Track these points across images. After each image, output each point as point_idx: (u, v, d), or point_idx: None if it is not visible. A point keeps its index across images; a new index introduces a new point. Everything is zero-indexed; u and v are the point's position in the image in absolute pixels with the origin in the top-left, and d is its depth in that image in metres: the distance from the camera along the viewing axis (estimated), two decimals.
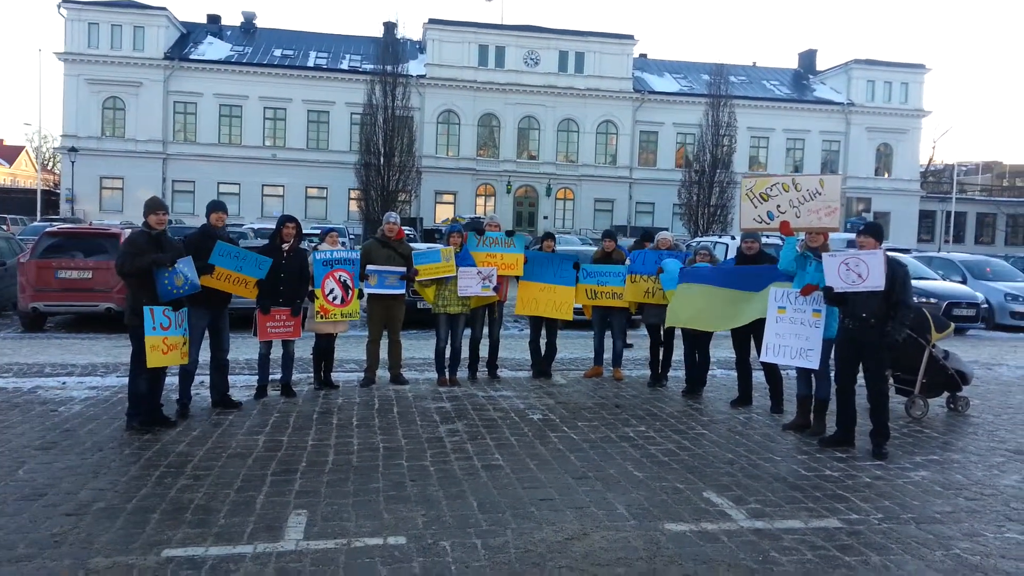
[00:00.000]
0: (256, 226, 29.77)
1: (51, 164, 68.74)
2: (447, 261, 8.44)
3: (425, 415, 7.25)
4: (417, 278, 8.44)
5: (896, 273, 6.18)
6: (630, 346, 10.89)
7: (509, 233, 9.13)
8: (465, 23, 48.13)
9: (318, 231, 22.95)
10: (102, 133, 44.59)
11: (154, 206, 6.60)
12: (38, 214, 41.19)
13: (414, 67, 45.49)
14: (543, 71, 47.95)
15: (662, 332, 9.00)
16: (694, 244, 17.84)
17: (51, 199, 48.47)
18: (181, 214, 39.00)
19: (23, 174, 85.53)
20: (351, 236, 29.62)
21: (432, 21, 47.69)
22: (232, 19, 56.11)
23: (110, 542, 4.18)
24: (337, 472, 5.48)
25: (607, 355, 9.43)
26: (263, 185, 46.03)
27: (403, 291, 8.50)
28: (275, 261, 7.53)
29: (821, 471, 5.78)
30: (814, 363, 6.69)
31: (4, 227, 29.96)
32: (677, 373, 9.19)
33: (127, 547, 4.12)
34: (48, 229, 14.08)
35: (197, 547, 4.14)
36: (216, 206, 7.32)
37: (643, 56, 53.83)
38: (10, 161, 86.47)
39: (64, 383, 8.43)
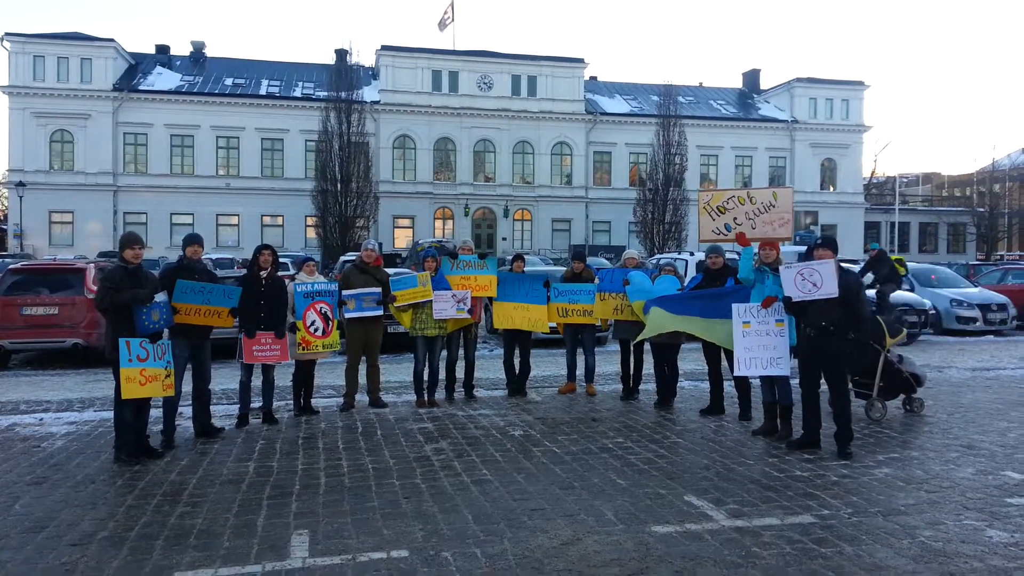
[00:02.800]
0: (214, 256, 29.53)
1: None
2: (424, 286, 8.67)
3: (409, 436, 7.43)
4: (395, 304, 8.65)
5: (848, 281, 6.59)
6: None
7: (482, 256, 9.41)
8: (418, 49, 48.64)
9: (291, 260, 22.87)
10: (50, 167, 43.81)
11: (130, 241, 6.71)
12: None
13: (368, 93, 45.66)
14: (496, 95, 48.61)
15: (632, 347, 9.32)
16: (655, 261, 18.31)
17: None
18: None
19: None
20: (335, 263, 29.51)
21: (385, 48, 48.05)
22: (181, 49, 55.54)
23: (121, 568, 4.29)
24: (332, 493, 5.64)
25: (579, 371, 9.72)
26: (217, 214, 45.59)
27: (381, 312, 8.69)
28: (254, 289, 7.69)
29: (791, 472, 6.12)
30: (785, 370, 7.07)
31: None
32: (648, 386, 9.51)
33: (139, 572, 4.24)
34: (12, 266, 13.90)
35: (207, 569, 4.28)
36: (192, 239, 7.45)
37: (594, 78, 54.87)
38: None
39: (41, 419, 8.40)
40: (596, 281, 9.35)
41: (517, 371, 9.59)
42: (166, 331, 6.95)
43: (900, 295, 17.02)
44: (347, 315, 8.55)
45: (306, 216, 44.11)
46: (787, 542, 4.61)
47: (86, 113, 43.83)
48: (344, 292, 8.54)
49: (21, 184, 41.25)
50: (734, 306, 7.33)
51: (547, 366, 11.83)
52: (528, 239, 49.21)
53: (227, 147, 46.25)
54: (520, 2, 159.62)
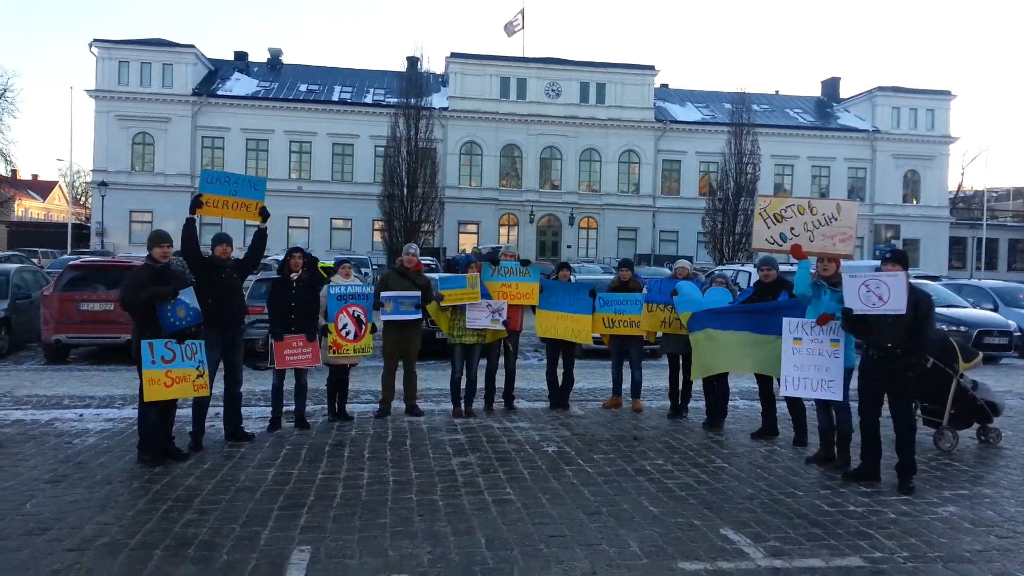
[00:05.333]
0: (281, 258, 29.99)
1: (83, 199, 70.29)
2: (472, 288, 8.39)
3: (438, 447, 7.14)
4: (443, 303, 8.39)
5: (920, 302, 6.00)
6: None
7: (524, 263, 9.06)
8: (487, 56, 48.64)
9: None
10: (132, 168, 45.46)
11: (158, 239, 6.63)
12: (68, 247, 41.95)
13: (437, 100, 45.98)
14: (564, 102, 48.23)
15: (681, 361, 8.83)
16: (709, 272, 17.63)
17: (82, 232, 49.39)
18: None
19: (56, 208, 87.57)
20: (375, 267, 29.77)
21: (454, 55, 48.26)
22: (259, 56, 57.11)
23: None
24: (345, 507, 5.38)
25: (625, 385, 9.27)
26: (289, 217, 46.43)
27: (419, 316, 8.44)
28: (285, 292, 7.56)
29: (844, 506, 5.56)
30: (837, 394, 6.50)
31: (35, 260, 30.51)
32: (698, 404, 8.99)
33: None
34: (71, 262, 14.26)
35: None
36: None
37: (664, 86, 53.96)
38: (44, 196, 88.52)
39: (81, 415, 8.45)
40: (644, 291, 8.90)
41: (560, 383, 9.20)
42: (199, 331, 6.83)
43: (980, 314, 15.93)
44: (383, 317, 8.33)
45: (373, 220, 44.63)
46: None
47: (166, 117, 45.37)
48: (382, 294, 8.32)
49: (104, 184, 43.00)
50: (785, 320, 6.79)
51: (594, 378, 11.38)
52: (593, 247, 48.61)
53: (299, 151, 47.23)
54: (590, 8, 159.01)
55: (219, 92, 46.69)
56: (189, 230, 7.13)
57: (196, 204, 7.22)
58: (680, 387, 8.82)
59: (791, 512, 5.41)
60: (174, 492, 5.66)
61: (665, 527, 5.04)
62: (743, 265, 20.08)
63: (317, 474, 6.20)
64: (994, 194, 66.18)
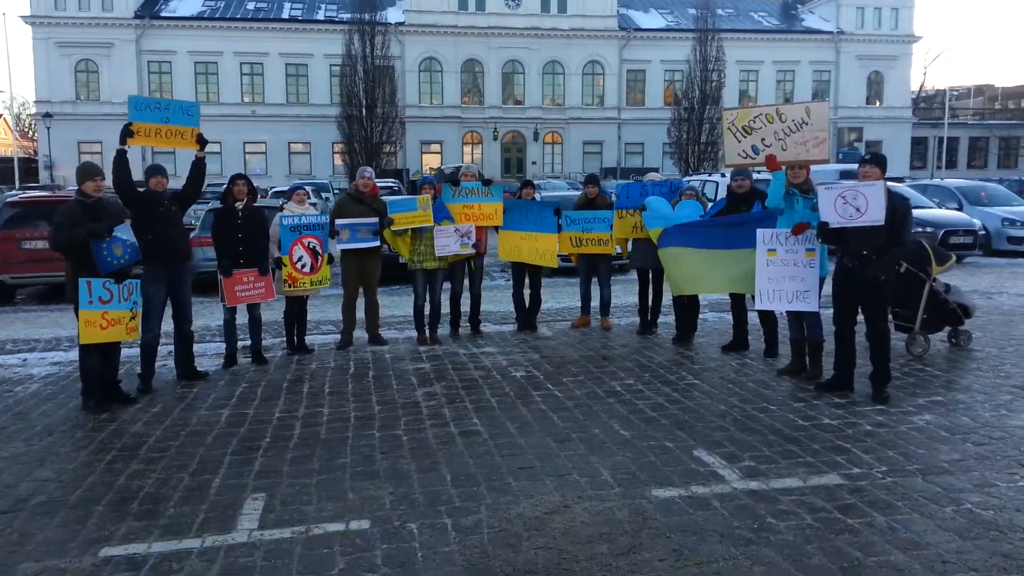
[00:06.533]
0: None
1: (30, 131, 67.26)
2: (424, 210, 7.97)
3: (402, 378, 6.87)
4: (393, 227, 7.99)
5: (897, 208, 5.74)
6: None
7: (486, 182, 8.63)
8: None
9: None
10: (76, 97, 43.48)
11: (89, 172, 6.11)
12: (16, 182, 40.31)
13: (392, 14, 44.22)
14: (525, 12, 46.56)
15: (651, 276, 8.59)
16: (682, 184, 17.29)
17: (31, 167, 47.46)
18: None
19: (2, 142, 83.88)
20: (336, 191, 28.96)
21: None
22: None
23: (44, 543, 3.81)
24: (302, 447, 5.11)
25: (594, 303, 9.03)
26: (244, 143, 45.02)
27: (377, 243, 8.05)
28: (230, 221, 7.11)
29: (819, 419, 5.42)
30: (813, 305, 6.31)
31: None
32: (667, 319, 8.79)
33: (62, 548, 3.75)
34: (10, 199, 13.51)
35: (140, 544, 3.78)
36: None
37: None
38: None
39: (25, 360, 8.02)
40: (613, 209, 8.56)
41: (527, 304, 8.93)
42: (136, 271, 6.40)
43: (946, 214, 15.90)
44: (339, 246, 7.93)
45: (333, 143, 43.43)
46: (808, 510, 3.95)
47: (109, 42, 43.11)
48: (337, 222, 7.89)
49: (48, 115, 41.05)
50: (759, 232, 6.52)
51: (562, 298, 11.14)
52: (559, 162, 47.93)
53: (251, 73, 45.38)
54: None
55: (163, 13, 44.39)
56: (120, 162, 6.59)
57: (126, 134, 6.66)
58: (650, 303, 8.60)
59: (765, 428, 5.25)
60: (119, 440, 5.34)
61: (637, 451, 4.85)
62: (710, 175, 19.71)
63: (274, 413, 5.91)
64: (955, 93, 66.00)
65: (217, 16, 44.74)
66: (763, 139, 6.86)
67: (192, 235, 12.71)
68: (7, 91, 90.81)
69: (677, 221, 7.75)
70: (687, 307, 8.11)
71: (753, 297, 6.86)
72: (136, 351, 6.93)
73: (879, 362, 5.91)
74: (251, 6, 46.11)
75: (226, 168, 42.23)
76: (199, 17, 44.52)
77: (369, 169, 8.58)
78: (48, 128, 41.05)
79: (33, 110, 46.39)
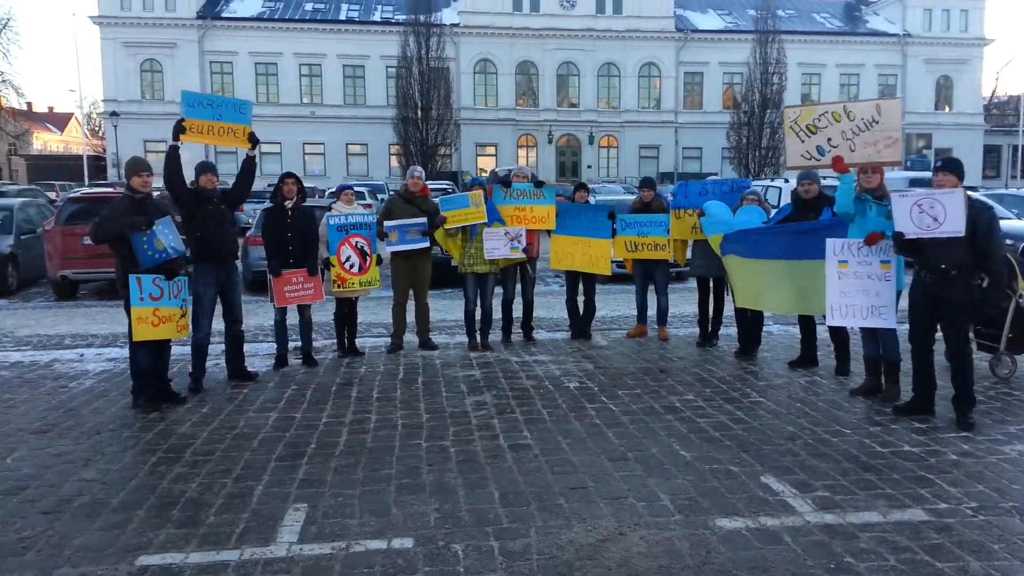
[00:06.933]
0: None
1: (100, 130, 69.54)
2: (477, 207, 7.77)
3: (452, 385, 6.67)
4: (446, 225, 7.81)
5: (979, 217, 5.31)
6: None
7: (538, 184, 8.37)
8: None
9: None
10: (142, 96, 44.61)
11: (136, 167, 6.09)
12: (85, 180, 41.60)
13: (448, 15, 44.28)
14: (580, 14, 46.18)
15: (712, 285, 8.23)
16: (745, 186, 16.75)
17: (99, 164, 48.92)
18: (225, 175, 38.94)
19: (74, 140, 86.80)
20: (392, 192, 29.00)
21: None
22: None
23: (82, 548, 3.70)
24: (348, 456, 4.94)
25: (650, 312, 8.71)
26: (303, 143, 45.65)
27: (426, 244, 7.87)
28: (280, 220, 7.03)
29: (898, 446, 5.03)
30: (890, 322, 5.89)
31: (51, 194, 30.17)
32: (729, 331, 8.42)
33: (100, 554, 3.64)
34: (72, 195, 13.79)
35: (177, 553, 3.64)
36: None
37: None
38: (61, 128, 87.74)
39: (82, 355, 8.08)
40: (669, 211, 8.24)
41: (581, 312, 8.66)
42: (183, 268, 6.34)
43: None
44: (388, 248, 7.78)
45: (389, 144, 43.74)
46: (891, 549, 3.60)
47: (172, 42, 44.16)
48: (386, 223, 7.74)
49: (115, 114, 42.23)
50: (828, 242, 6.12)
51: (617, 305, 10.82)
52: (614, 167, 47.40)
53: (310, 75, 45.99)
54: None
55: (223, 14, 45.26)
56: (172, 159, 6.55)
57: (179, 130, 6.62)
58: (711, 313, 8.24)
59: (839, 454, 4.88)
60: (166, 442, 5.25)
61: (699, 475, 4.54)
62: (772, 180, 19.09)
63: (321, 418, 5.77)
64: None
65: (276, 17, 45.45)
66: (829, 139, 6.46)
67: (248, 234, 12.84)
68: (78, 91, 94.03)
69: (737, 227, 7.38)
70: (751, 318, 7.72)
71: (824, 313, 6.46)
72: (188, 349, 6.88)
73: (961, 384, 5.48)
74: (309, 7, 46.74)
75: (286, 168, 42.94)
76: (259, 18, 45.28)
77: (419, 168, 8.41)
78: (115, 127, 42.22)
79: (101, 109, 47.88)
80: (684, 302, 10.40)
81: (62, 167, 47.51)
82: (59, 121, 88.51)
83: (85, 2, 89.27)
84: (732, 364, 7.41)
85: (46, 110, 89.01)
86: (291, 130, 44.84)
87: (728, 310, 8.15)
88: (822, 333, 7.30)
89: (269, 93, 45.62)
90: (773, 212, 7.98)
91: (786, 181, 16.87)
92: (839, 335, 6.92)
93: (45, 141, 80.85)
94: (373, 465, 4.77)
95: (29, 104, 67.16)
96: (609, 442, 5.14)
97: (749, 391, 6.42)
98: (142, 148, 44.13)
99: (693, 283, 8.80)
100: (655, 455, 4.88)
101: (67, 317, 10.75)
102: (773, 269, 6.91)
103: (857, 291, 5.96)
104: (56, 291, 12.51)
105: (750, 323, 7.78)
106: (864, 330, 6.28)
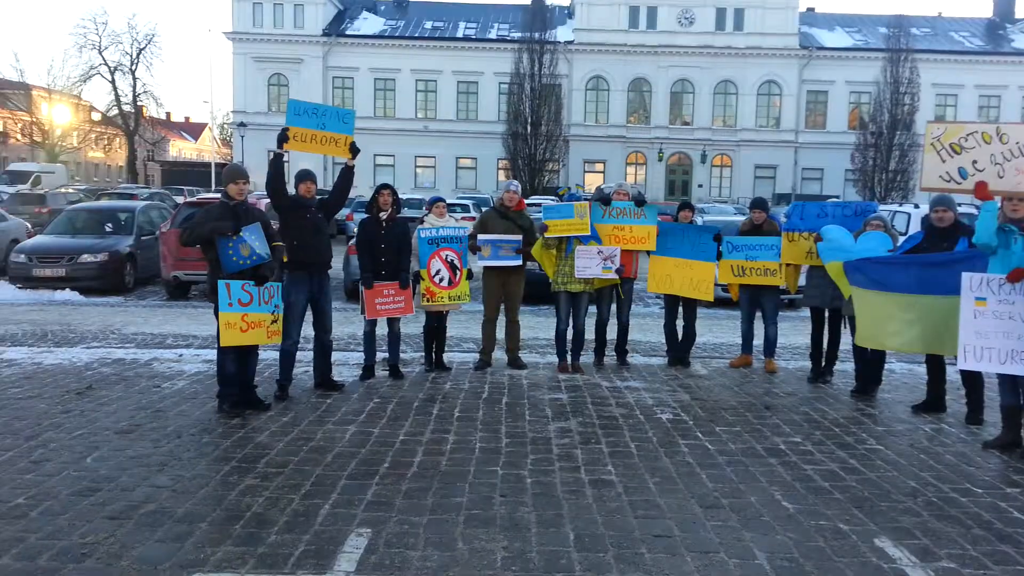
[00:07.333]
0: (406, 196, 29.87)
1: (230, 139, 73.77)
2: (581, 218, 7.46)
3: (536, 408, 6.35)
4: (547, 234, 7.53)
5: None
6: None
7: (640, 203, 7.96)
8: None
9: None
10: (268, 108, 46.74)
11: (234, 175, 6.15)
12: (212, 186, 43.95)
13: (562, 33, 44.44)
14: (698, 31, 45.27)
15: (827, 315, 7.56)
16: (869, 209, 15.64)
17: None
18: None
19: (207, 149, 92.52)
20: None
21: None
22: None
23: (139, 559, 3.60)
24: (420, 479, 4.70)
25: (757, 342, 8.11)
26: (416, 156, 46.77)
27: (519, 262, 7.62)
28: (374, 231, 6.94)
29: None
30: None
31: (179, 198, 32.02)
32: (845, 366, 7.71)
33: (156, 568, 3.52)
34: (188, 199, 14.38)
35: (232, 573, 3.48)
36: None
37: (810, 10, 49.55)
38: (196, 137, 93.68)
39: (181, 355, 8.27)
40: (781, 234, 7.65)
41: (680, 337, 8.16)
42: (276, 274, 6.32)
43: None
44: (480, 263, 7.56)
45: (498, 159, 44.20)
46: None
47: (299, 57, 46.23)
48: (479, 237, 7.54)
49: (243, 125, 44.47)
50: (965, 276, 5.43)
51: (720, 332, 10.21)
52: (727, 186, 46.07)
53: (425, 90, 47.14)
54: None
55: (348, 32, 47.01)
56: (276, 166, 6.57)
57: (283, 138, 6.64)
58: (825, 346, 7.56)
59: (968, 518, 4.24)
60: (241, 451, 5.17)
61: (802, 532, 4.02)
62: (900, 206, 17.79)
63: (399, 435, 5.57)
64: None
65: (397, 35, 46.88)
66: (974, 161, 5.79)
67: (351, 242, 13.00)
68: (211, 102, 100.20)
69: (859, 255, 6.71)
70: (871, 355, 7.01)
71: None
72: (276, 355, 6.88)
73: None
74: (428, 25, 47.97)
75: (399, 182, 44.02)
76: (380, 36, 46.83)
77: (515, 183, 8.19)
78: (242, 136, 44.43)
79: (231, 119, 50.70)
80: (795, 332, 9.68)
81: (193, 173, 50.45)
82: (194, 130, 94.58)
83: (221, 18, 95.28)
84: (847, 404, 6.74)
85: (183, 120, 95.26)
86: (405, 143, 46.01)
87: (845, 343, 7.46)
88: (952, 374, 6.54)
89: (386, 108, 47.02)
90: (900, 240, 7.24)
91: (916, 207, 15.64)
92: (973, 379, 6.16)
93: (180, 149, 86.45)
94: (444, 491, 4.51)
95: (168, 114, 72.09)
96: (702, 485, 4.68)
97: (865, 436, 5.76)
98: (265, 157, 46.11)
99: (806, 312, 8.15)
100: (753, 504, 4.39)
101: (173, 317, 11.13)
102: (899, 303, 6.22)
103: (996, 332, 5.26)
104: (168, 291, 13.03)
105: (870, 360, 7.08)
106: (1003, 376, 5.54)
